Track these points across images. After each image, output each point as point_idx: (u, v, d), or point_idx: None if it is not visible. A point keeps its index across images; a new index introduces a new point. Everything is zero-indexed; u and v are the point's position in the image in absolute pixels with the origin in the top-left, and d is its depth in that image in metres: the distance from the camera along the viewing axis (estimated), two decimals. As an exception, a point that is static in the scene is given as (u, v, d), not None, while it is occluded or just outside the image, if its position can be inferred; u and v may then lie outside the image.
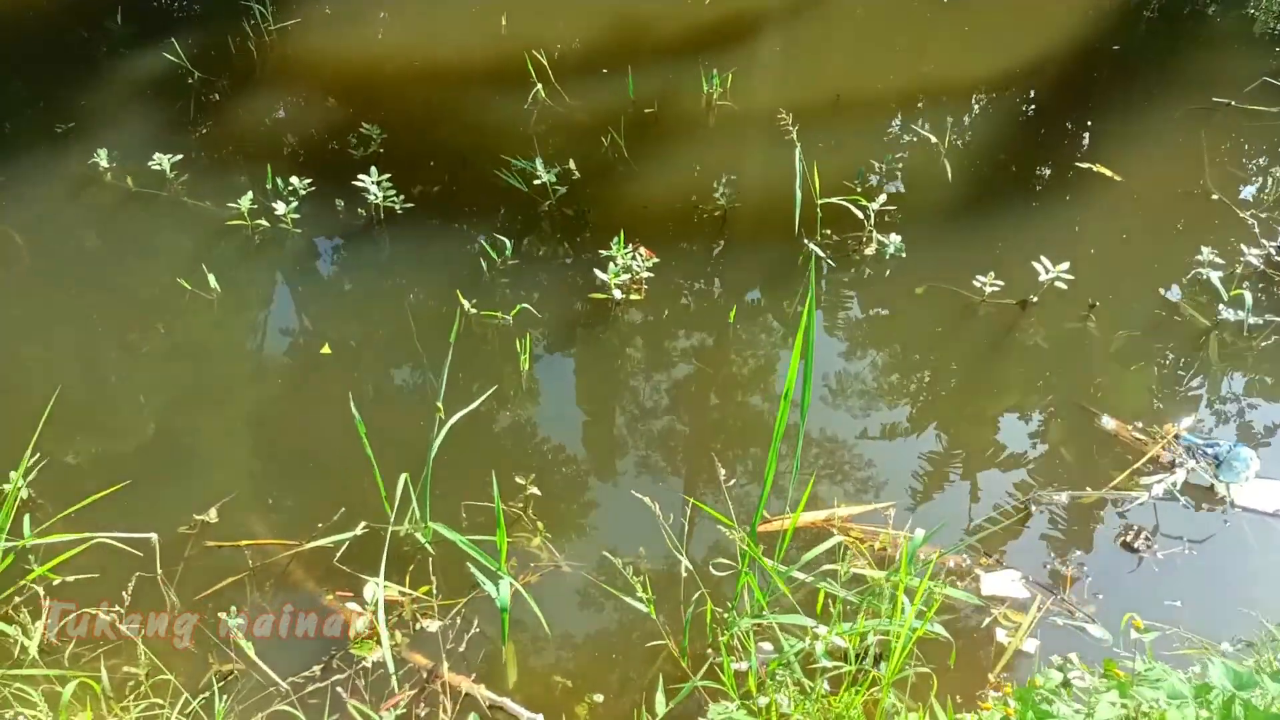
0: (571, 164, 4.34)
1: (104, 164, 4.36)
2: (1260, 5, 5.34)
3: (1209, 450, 3.33)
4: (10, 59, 5.13)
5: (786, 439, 3.34)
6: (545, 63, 4.77)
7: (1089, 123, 4.76)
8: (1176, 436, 3.38)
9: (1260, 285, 3.87)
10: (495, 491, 2.72)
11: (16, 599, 2.85)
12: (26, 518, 2.92)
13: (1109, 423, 3.44)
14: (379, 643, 2.76)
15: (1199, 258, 3.87)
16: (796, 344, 2.39)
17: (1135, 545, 3.09)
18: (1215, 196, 4.27)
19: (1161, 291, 3.89)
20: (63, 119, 4.70)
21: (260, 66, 5.03)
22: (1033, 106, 4.89)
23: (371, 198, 4.10)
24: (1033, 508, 3.19)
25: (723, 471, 3.29)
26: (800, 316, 3.84)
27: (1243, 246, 4.01)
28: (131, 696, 2.67)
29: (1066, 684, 2.15)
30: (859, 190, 4.17)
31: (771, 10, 5.46)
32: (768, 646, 2.75)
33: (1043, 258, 3.77)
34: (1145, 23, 5.39)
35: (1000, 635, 2.85)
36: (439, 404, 2.98)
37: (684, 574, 2.93)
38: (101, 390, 3.58)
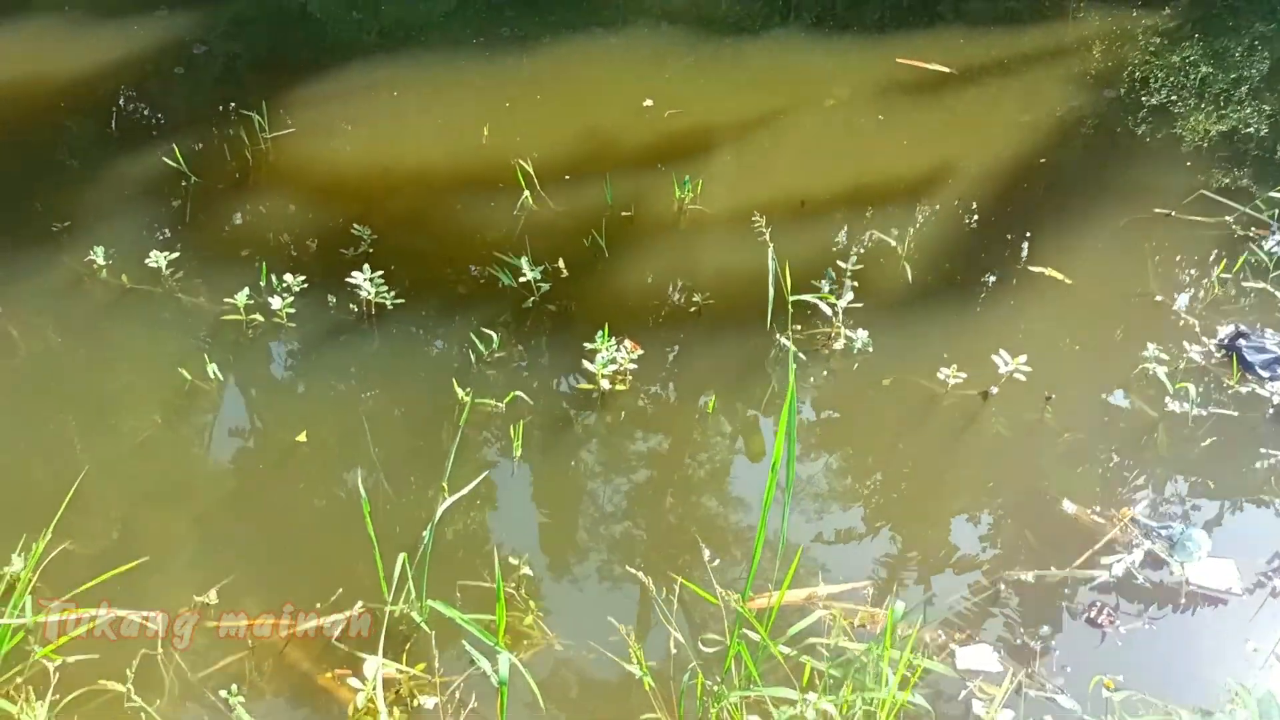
0: (560, 263, 4.57)
1: (100, 261, 4.50)
2: (1187, 125, 5.79)
3: (1163, 532, 3.53)
4: (8, 159, 5.30)
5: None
6: (531, 170, 5.04)
7: (1039, 229, 5.08)
8: (1133, 520, 3.58)
9: (1203, 380, 4.14)
10: (496, 567, 2.84)
11: (18, 679, 2.89)
12: (28, 600, 2.97)
13: (1069, 506, 3.64)
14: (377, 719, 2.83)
15: (1145, 354, 4.13)
16: (779, 431, 2.57)
17: (1099, 621, 3.26)
18: (1159, 299, 4.57)
19: (1112, 384, 4.15)
20: (59, 218, 4.86)
21: (255, 171, 5.25)
22: (984, 214, 5.21)
23: (364, 294, 4.28)
24: (1001, 586, 3.36)
25: (707, 552, 3.43)
26: (777, 407, 4.08)
27: (1185, 344, 4.29)
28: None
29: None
30: (827, 289, 4.42)
31: (730, 124, 5.80)
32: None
33: (1002, 351, 4.02)
34: (1082, 138, 5.80)
35: (977, 707, 2.98)
36: (444, 484, 3.11)
37: (673, 649, 3.05)
38: (98, 478, 3.65)
